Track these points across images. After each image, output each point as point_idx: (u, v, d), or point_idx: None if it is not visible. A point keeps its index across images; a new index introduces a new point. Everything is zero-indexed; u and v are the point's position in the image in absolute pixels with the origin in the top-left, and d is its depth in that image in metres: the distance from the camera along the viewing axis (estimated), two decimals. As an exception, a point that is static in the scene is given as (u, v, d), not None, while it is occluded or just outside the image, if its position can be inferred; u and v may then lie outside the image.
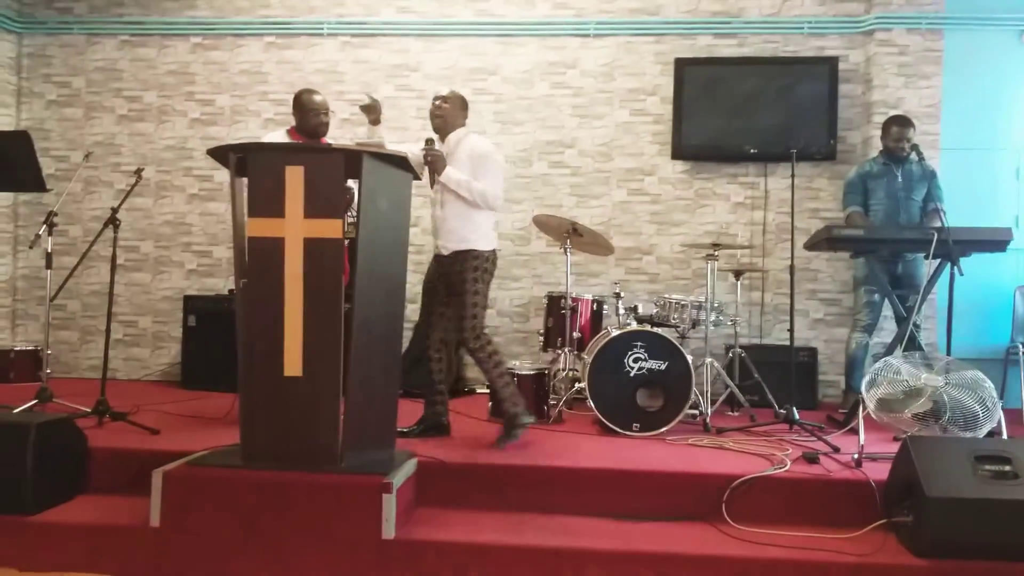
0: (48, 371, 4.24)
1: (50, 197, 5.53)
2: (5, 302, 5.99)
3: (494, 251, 3.82)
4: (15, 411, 3.61)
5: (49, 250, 4.11)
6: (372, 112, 3.76)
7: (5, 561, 2.92)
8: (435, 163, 3.66)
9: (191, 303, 5.53)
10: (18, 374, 5.44)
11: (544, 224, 4.89)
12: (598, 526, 3.02)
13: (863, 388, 3.40)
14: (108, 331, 4.09)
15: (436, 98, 3.87)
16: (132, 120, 6.03)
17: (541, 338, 5.05)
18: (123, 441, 3.49)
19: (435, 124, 3.87)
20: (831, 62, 5.50)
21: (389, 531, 2.82)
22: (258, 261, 3.02)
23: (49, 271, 4.13)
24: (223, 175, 5.82)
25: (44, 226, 4.07)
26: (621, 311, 4.74)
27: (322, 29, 5.91)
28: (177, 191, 5.96)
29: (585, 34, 5.78)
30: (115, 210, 4.06)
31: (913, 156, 4.40)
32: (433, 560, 2.80)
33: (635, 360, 4.05)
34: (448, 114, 3.83)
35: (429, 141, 3.68)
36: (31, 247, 4.15)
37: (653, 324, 4.44)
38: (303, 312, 2.97)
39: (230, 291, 5.67)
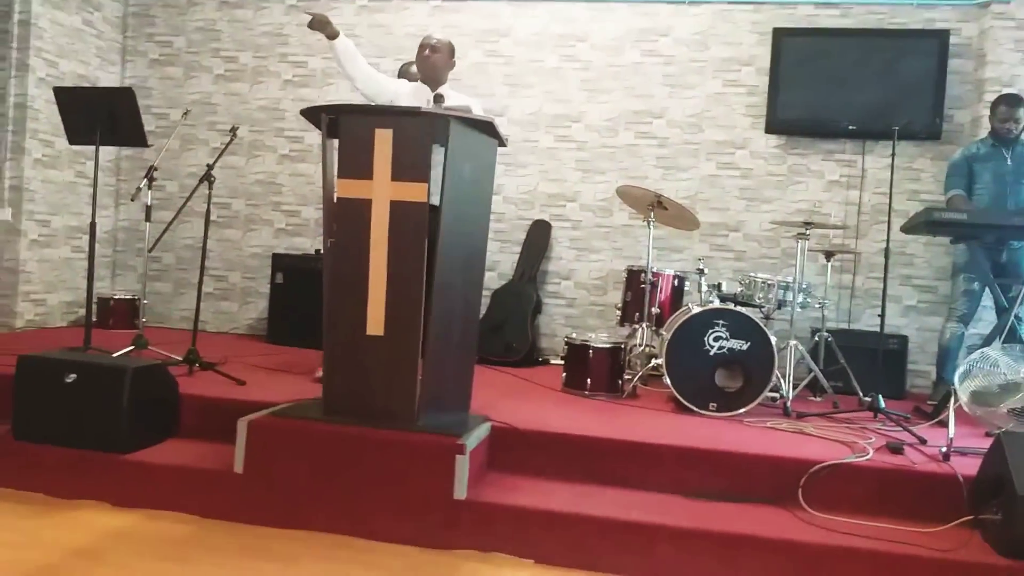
0: (144, 319, 4.44)
1: (150, 153, 5.75)
2: (107, 252, 6.30)
3: None
4: (114, 355, 3.80)
5: (148, 203, 4.28)
6: (322, 27, 3.65)
7: (99, 495, 3.10)
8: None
9: (279, 260, 5.70)
10: (116, 321, 5.73)
11: (628, 195, 4.82)
12: (669, 502, 2.99)
13: (956, 379, 3.27)
14: (200, 284, 4.25)
15: (426, 46, 3.78)
16: (228, 80, 6.20)
17: (618, 312, 5.01)
18: (211, 390, 3.64)
19: (426, 75, 3.79)
20: (941, 35, 5.21)
21: (461, 491, 2.86)
22: (345, 221, 3.08)
23: (148, 224, 4.31)
24: (314, 137, 5.95)
25: (144, 180, 4.24)
26: (704, 288, 4.65)
27: (414, -7, 5.93)
28: (269, 151, 6.12)
29: (680, 1, 5.63)
30: (210, 167, 4.20)
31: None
32: (502, 523, 2.83)
33: (716, 339, 3.98)
34: (440, 63, 3.78)
35: (438, 97, 3.61)
36: (132, 200, 4.33)
37: (736, 303, 4.34)
38: (387, 273, 3.02)
39: (317, 251, 5.82)
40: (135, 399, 3.22)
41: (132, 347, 4.11)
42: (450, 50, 3.86)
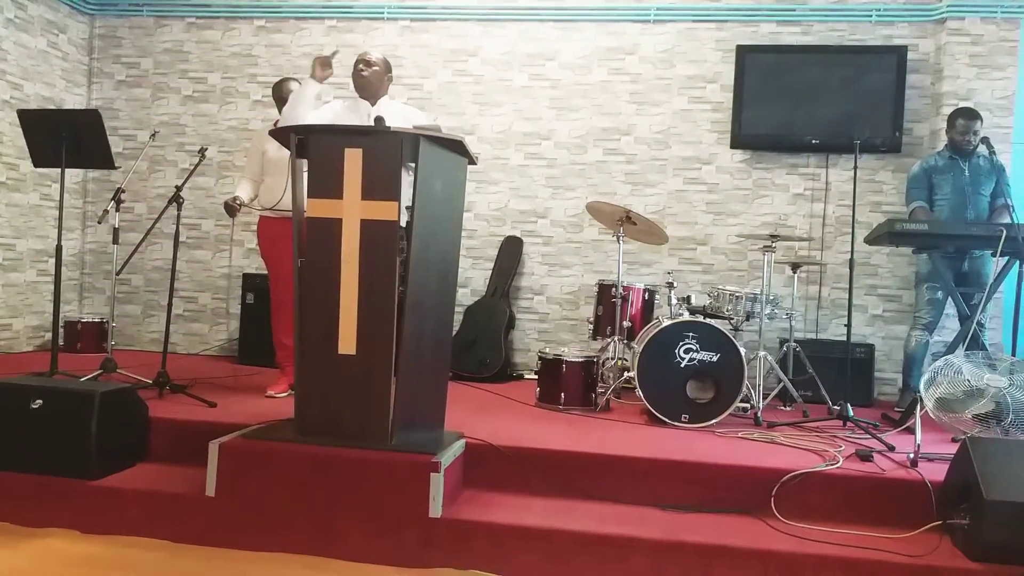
0: (112, 343, 4.38)
1: (117, 175, 5.71)
2: (74, 275, 6.21)
3: None
4: (81, 380, 3.74)
5: (116, 226, 4.24)
6: (325, 68, 3.72)
7: (68, 523, 3.04)
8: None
9: (249, 281, 5.66)
10: (85, 344, 5.65)
11: (598, 211, 4.87)
12: (644, 515, 3.01)
13: (922, 387, 3.32)
14: (170, 306, 4.21)
15: (360, 62, 3.81)
16: (196, 101, 6.17)
17: (590, 326, 5.04)
18: (182, 412, 3.60)
19: (363, 91, 3.82)
20: (899, 51, 5.34)
21: (436, 510, 2.85)
22: (316, 241, 3.07)
23: (115, 246, 4.26)
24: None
25: (112, 202, 4.19)
26: (673, 301, 4.69)
27: (383, 13, 5.96)
28: (238, 171, 6.09)
29: (645, 19, 5.72)
30: (179, 188, 4.17)
31: (982, 149, 4.25)
32: (478, 540, 2.83)
33: (686, 351, 4.02)
34: (375, 78, 3.81)
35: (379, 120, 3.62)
36: (99, 222, 4.28)
37: (706, 315, 4.39)
38: (358, 291, 3.02)
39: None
40: (103, 424, 3.17)
41: (100, 371, 4.05)
42: (386, 66, 3.89)
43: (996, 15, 5.24)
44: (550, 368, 4.31)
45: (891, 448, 3.49)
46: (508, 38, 5.87)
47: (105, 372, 4.06)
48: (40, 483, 3.10)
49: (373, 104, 3.83)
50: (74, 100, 6.11)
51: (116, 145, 5.85)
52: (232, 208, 4.16)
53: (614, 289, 4.73)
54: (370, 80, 3.81)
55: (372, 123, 3.13)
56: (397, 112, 3.77)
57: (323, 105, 3.93)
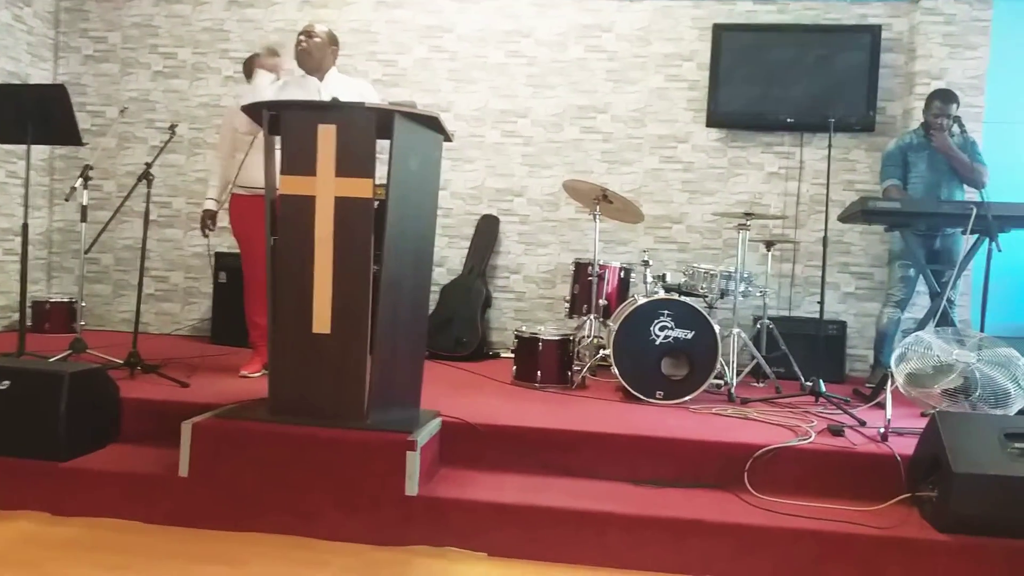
0: (82, 323, 4.31)
1: (85, 151, 5.60)
2: (41, 254, 6.10)
3: None
4: (50, 360, 3.68)
5: (84, 204, 4.16)
6: (272, 55, 3.71)
7: (37, 505, 3.01)
8: None
9: (222, 260, 5.59)
10: (53, 325, 5.57)
11: (574, 190, 4.86)
12: (619, 490, 3.03)
13: (892, 362, 3.36)
14: (140, 285, 4.15)
15: (301, 33, 3.73)
16: (167, 76, 6.06)
17: (567, 304, 5.04)
18: (154, 393, 3.56)
19: (306, 64, 3.75)
20: (873, 30, 5.36)
21: (412, 488, 2.85)
22: (289, 219, 3.04)
23: (84, 224, 4.18)
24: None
25: (79, 180, 4.12)
26: (649, 279, 4.71)
27: (356, -12, 5.87)
28: (210, 148, 5.99)
29: (621, -3, 5.69)
30: (149, 166, 4.10)
31: (955, 129, 4.28)
32: (455, 518, 2.83)
33: (661, 328, 4.03)
34: (318, 50, 3.73)
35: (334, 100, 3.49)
36: (66, 200, 4.20)
37: (681, 293, 4.41)
38: (332, 270, 2.99)
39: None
40: (73, 404, 3.12)
41: (70, 351, 3.99)
42: (330, 38, 3.80)
43: (969, -6, 5.27)
44: (526, 346, 4.31)
45: (862, 423, 3.54)
46: (484, 14, 5.81)
47: (75, 352, 4.00)
48: (9, 466, 3.05)
49: (321, 79, 3.76)
50: (40, 75, 5.97)
51: (84, 121, 5.74)
52: (205, 228, 4.34)
53: (590, 267, 4.74)
54: (310, 52, 3.72)
55: (323, 99, 3.07)
56: (350, 87, 3.72)
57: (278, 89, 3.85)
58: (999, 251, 3.64)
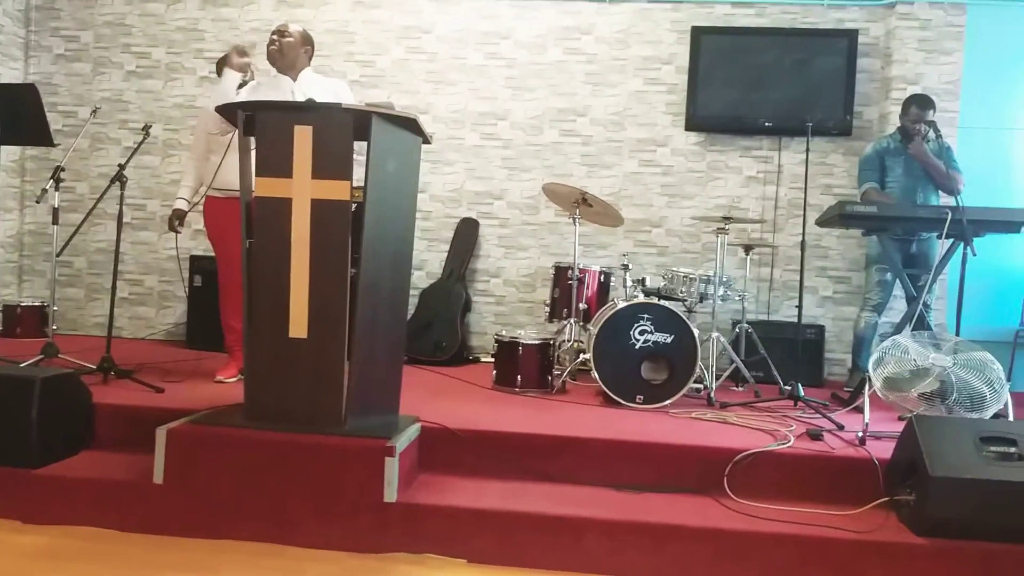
0: (54, 327, 4.24)
1: (57, 152, 5.50)
2: (12, 257, 5.99)
3: None
4: (21, 365, 3.61)
5: (56, 206, 4.08)
6: (241, 55, 3.70)
7: (9, 513, 2.94)
8: None
9: (197, 263, 5.52)
10: (24, 329, 5.47)
11: (553, 193, 4.85)
12: (599, 495, 3.02)
13: (870, 366, 3.38)
14: (114, 289, 4.08)
15: (274, 33, 3.70)
16: (140, 76, 5.98)
17: (547, 308, 5.03)
18: (128, 398, 3.50)
19: (278, 64, 3.71)
20: (850, 35, 5.41)
21: (391, 494, 2.82)
22: (265, 221, 3.00)
23: (56, 227, 4.11)
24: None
25: (51, 181, 4.04)
26: (628, 283, 4.72)
27: (334, -12, 5.82)
28: (185, 149, 5.91)
29: None
30: (122, 167, 4.03)
31: (931, 135, 4.32)
32: (434, 524, 2.80)
33: (641, 332, 4.03)
34: (291, 50, 3.69)
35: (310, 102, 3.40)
36: (38, 202, 4.13)
37: (660, 297, 4.41)
38: (309, 273, 2.96)
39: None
40: (45, 410, 3.06)
41: (41, 356, 3.92)
42: (304, 37, 3.76)
43: (944, 0, 5.32)
44: (506, 351, 4.29)
45: (840, 427, 3.56)
46: (462, 15, 5.79)
47: (47, 357, 3.93)
48: (-22, 473, 2.99)
49: (295, 79, 3.72)
50: (10, 75, 5.86)
51: (55, 122, 5.65)
52: (173, 227, 4.24)
53: (570, 271, 4.73)
54: (283, 51, 3.68)
55: (297, 99, 3.04)
56: (325, 87, 3.68)
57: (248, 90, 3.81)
58: (974, 255, 3.67)
